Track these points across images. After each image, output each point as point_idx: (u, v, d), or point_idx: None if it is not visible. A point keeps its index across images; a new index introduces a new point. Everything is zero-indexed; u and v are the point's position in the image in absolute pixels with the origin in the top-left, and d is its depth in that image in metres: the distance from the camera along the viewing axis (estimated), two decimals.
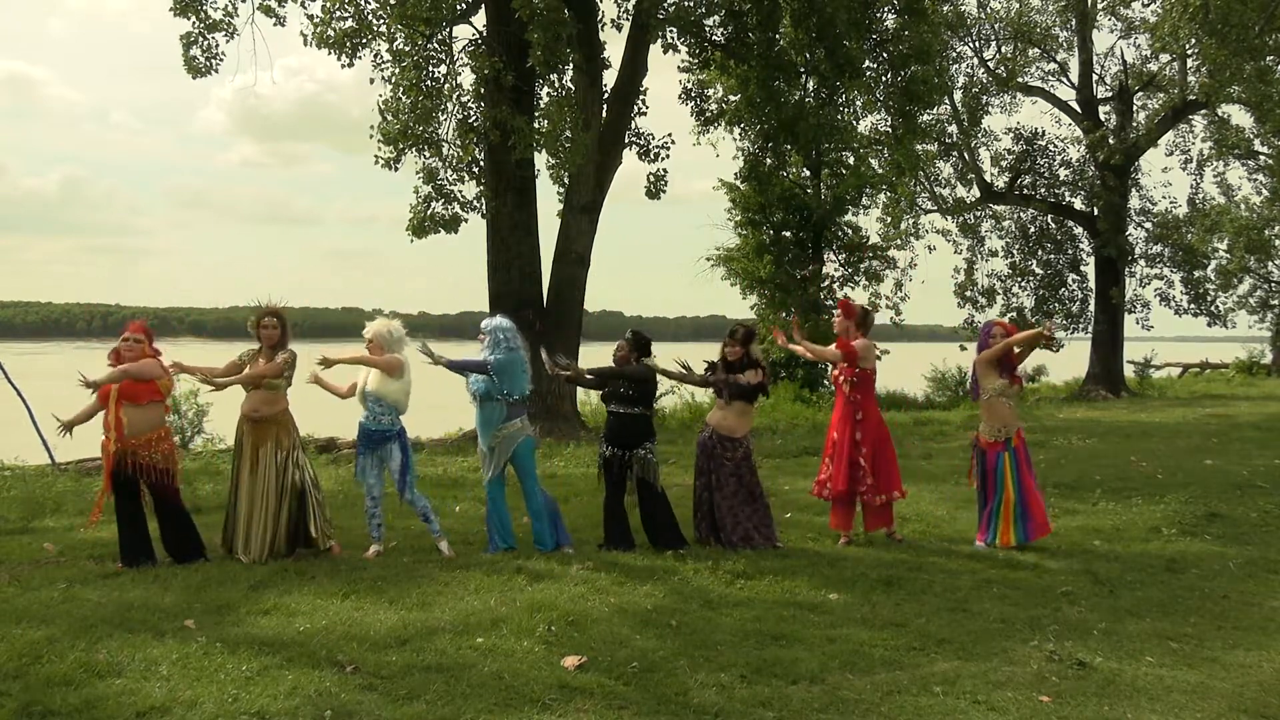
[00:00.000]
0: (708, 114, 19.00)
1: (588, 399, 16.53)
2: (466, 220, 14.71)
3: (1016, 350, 7.57)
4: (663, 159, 16.29)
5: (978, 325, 24.03)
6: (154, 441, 6.80)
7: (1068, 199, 26.31)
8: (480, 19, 14.66)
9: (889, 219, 24.68)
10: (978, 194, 25.87)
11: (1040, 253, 26.98)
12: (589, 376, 7.50)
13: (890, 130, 19.03)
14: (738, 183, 21.14)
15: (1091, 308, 25.98)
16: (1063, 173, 26.14)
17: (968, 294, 26.48)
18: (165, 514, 6.86)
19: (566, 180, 15.26)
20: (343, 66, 13.89)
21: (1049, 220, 26.95)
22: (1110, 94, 25.70)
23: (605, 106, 15.39)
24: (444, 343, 8.04)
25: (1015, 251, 27.04)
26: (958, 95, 24.87)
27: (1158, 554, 7.26)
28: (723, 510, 7.34)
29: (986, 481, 7.49)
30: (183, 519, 6.97)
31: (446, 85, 14.17)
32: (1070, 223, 26.74)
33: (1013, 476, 7.39)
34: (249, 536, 6.90)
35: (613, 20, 16.09)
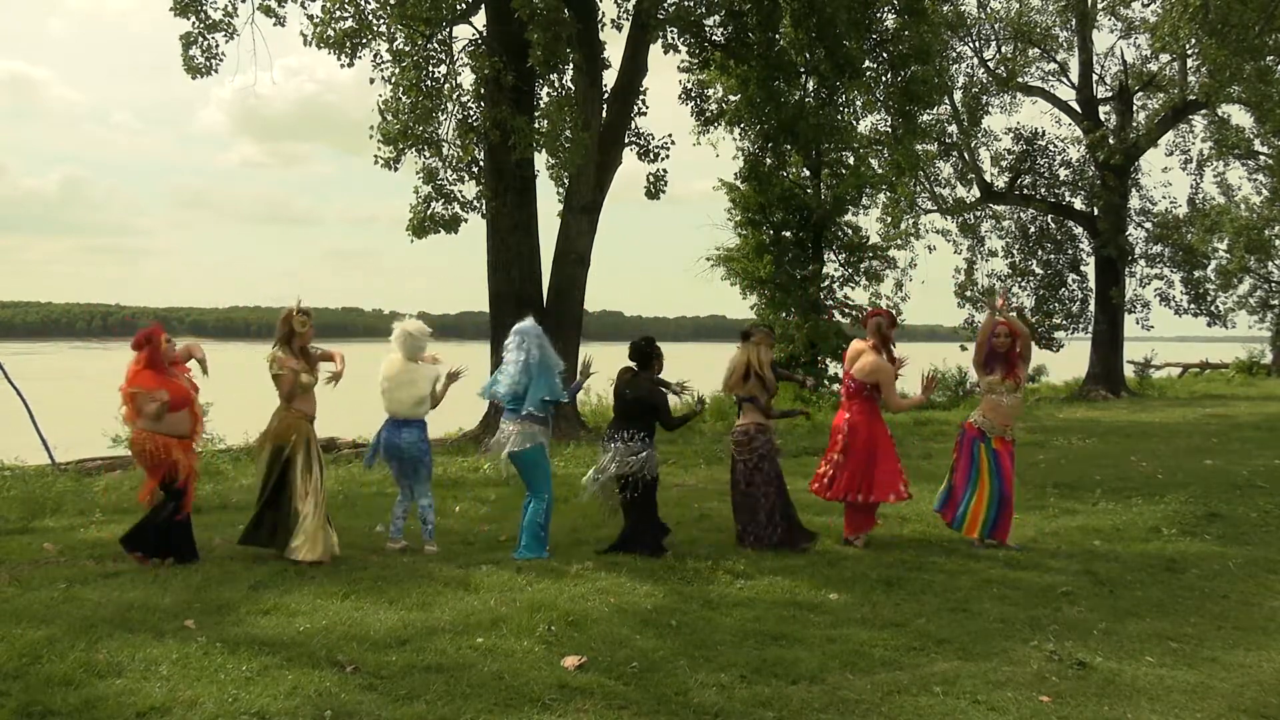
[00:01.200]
0: (708, 114, 18.99)
1: (587, 398, 16.53)
2: (466, 220, 14.72)
3: (1017, 348, 7.59)
4: (663, 159, 16.30)
5: (977, 325, 24.03)
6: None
7: (1068, 199, 26.31)
8: (480, 19, 14.66)
9: (889, 219, 24.69)
10: (978, 194, 25.88)
11: (1040, 253, 27.01)
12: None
13: (890, 130, 19.03)
14: (738, 183, 21.14)
15: (1091, 308, 26.01)
16: (1063, 173, 26.17)
17: (968, 294, 26.52)
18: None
19: (566, 180, 15.26)
20: (343, 66, 13.90)
21: (1049, 220, 26.96)
22: (1110, 94, 25.70)
23: (605, 106, 15.38)
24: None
25: (1015, 251, 27.07)
26: (958, 95, 24.89)
27: (1158, 554, 7.26)
28: (787, 509, 7.40)
29: (960, 461, 7.53)
30: (187, 519, 6.99)
31: (446, 85, 14.18)
32: (1070, 223, 26.75)
33: (991, 473, 7.41)
34: (320, 536, 6.77)
35: (613, 20, 16.10)
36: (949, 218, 25.84)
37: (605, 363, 7.59)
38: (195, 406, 6.81)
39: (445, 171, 14.44)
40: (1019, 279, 26.79)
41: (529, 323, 7.33)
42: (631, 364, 7.35)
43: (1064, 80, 26.13)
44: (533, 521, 7.05)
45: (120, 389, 6.71)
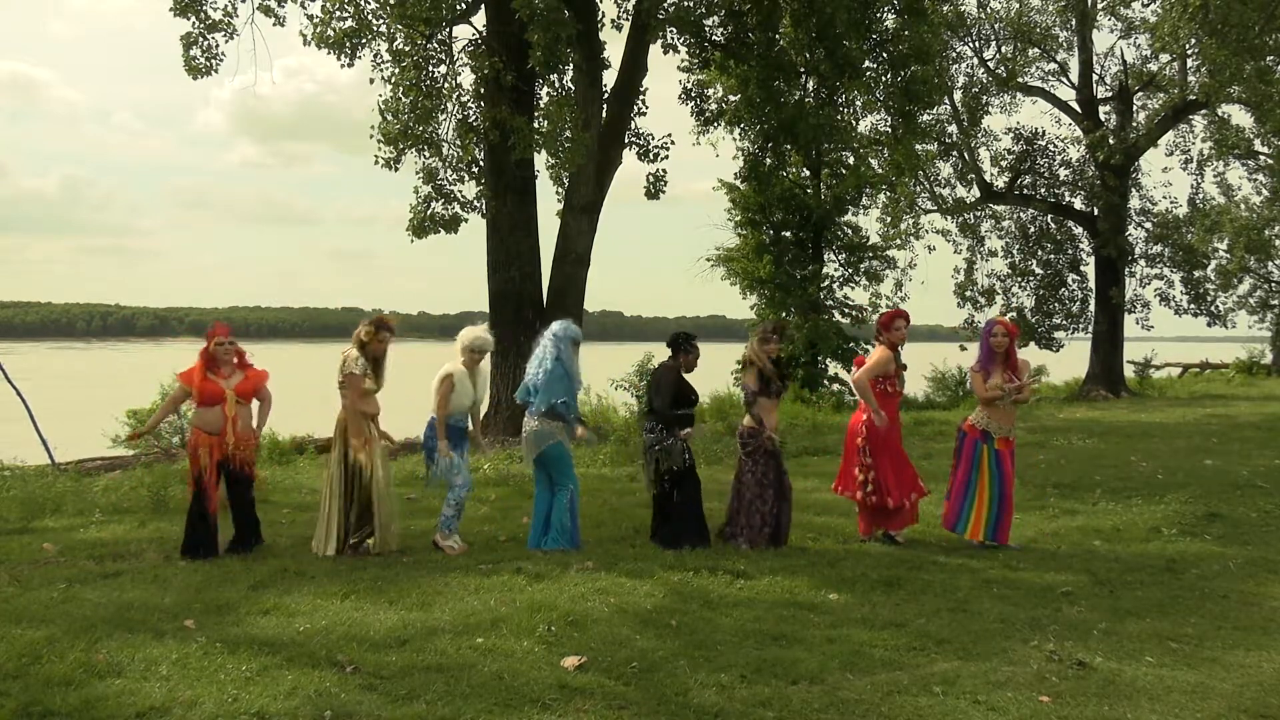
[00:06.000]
0: (708, 114, 19.00)
1: (587, 398, 16.52)
2: (466, 220, 14.73)
3: (1015, 348, 7.64)
4: (662, 159, 16.29)
5: (978, 325, 24.06)
6: (250, 438, 7.22)
7: (1068, 199, 26.31)
8: (480, 19, 14.67)
9: (889, 219, 24.69)
10: (978, 194, 25.87)
11: (1040, 253, 26.99)
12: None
13: (890, 130, 19.02)
14: (738, 183, 21.15)
15: (1091, 308, 25.99)
16: (1063, 173, 26.15)
17: (968, 294, 26.52)
18: (244, 505, 7.19)
19: (566, 180, 15.26)
20: (342, 66, 13.91)
21: (1049, 220, 26.95)
22: (1110, 94, 25.68)
23: (605, 106, 15.38)
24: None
25: (1015, 251, 27.06)
26: (958, 95, 24.89)
27: (1158, 554, 7.26)
28: (784, 510, 7.44)
29: (961, 464, 7.53)
30: (253, 509, 7.30)
31: (446, 85, 14.19)
32: (1070, 223, 26.74)
33: (992, 474, 7.41)
34: (392, 527, 7.25)
35: (613, 20, 16.10)
36: (949, 218, 25.85)
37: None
38: (227, 408, 6.99)
39: (445, 171, 14.45)
40: (1019, 279, 26.80)
41: (561, 327, 7.39)
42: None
43: (1064, 80, 26.15)
44: (559, 514, 7.29)
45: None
